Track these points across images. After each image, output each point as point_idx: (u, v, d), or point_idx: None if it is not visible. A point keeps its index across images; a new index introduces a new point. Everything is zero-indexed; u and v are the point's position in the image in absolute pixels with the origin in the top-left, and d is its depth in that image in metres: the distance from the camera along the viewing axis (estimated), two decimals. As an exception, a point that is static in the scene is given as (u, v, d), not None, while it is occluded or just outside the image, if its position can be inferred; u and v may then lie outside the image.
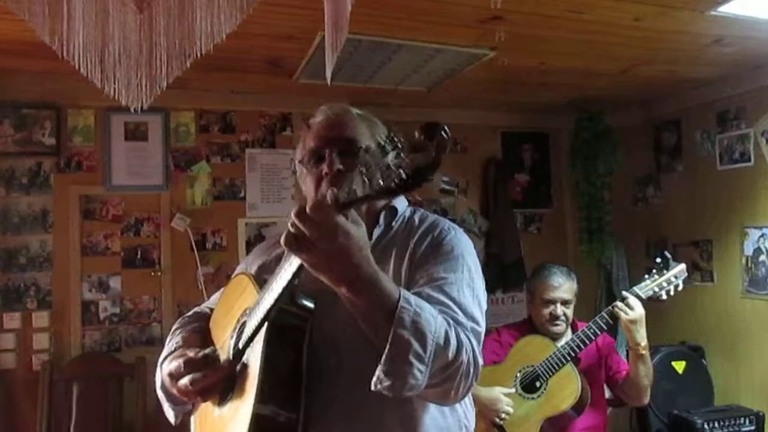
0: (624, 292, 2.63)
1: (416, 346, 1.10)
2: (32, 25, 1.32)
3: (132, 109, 1.37)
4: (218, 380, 1.25)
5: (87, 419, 3.06)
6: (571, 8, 2.40)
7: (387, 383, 1.10)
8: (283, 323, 1.19)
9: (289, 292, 1.15)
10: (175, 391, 1.27)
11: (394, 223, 1.40)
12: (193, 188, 3.50)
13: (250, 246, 3.47)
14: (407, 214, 1.44)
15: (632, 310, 2.54)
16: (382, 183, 0.98)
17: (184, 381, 1.23)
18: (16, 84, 3.15)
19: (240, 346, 1.25)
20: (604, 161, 4.11)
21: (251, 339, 1.22)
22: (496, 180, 4.19)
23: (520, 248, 4.19)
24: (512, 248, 4.16)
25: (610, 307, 2.62)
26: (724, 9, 2.41)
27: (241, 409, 1.18)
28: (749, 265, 3.44)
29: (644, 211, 4.23)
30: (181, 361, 1.25)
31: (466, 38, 2.71)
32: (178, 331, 1.45)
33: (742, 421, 3.22)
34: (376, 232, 1.38)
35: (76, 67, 1.34)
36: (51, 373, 3.06)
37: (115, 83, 1.36)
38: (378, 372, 1.10)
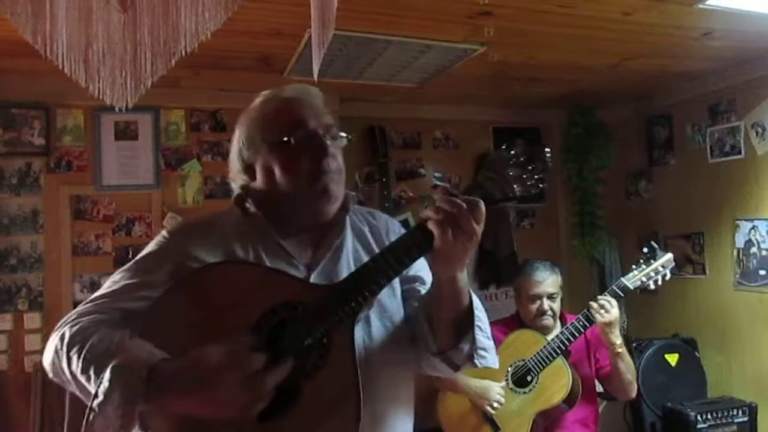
0: (599, 296, 2.65)
1: (486, 325, 1.28)
2: (15, 24, 1.31)
3: (117, 109, 1.36)
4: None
5: (80, 419, 3.04)
6: (559, 3, 2.39)
7: (484, 358, 1.26)
8: (355, 316, 1.17)
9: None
10: (208, 410, 1.04)
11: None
12: (185, 187, 3.49)
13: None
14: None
15: (608, 312, 2.56)
16: (518, 189, 1.17)
17: (244, 398, 1.02)
18: (4, 84, 3.12)
19: (305, 342, 1.12)
20: (596, 156, 4.12)
21: (325, 334, 1.13)
22: (488, 175, 4.18)
23: (514, 243, 4.19)
24: (505, 243, 4.16)
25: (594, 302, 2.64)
26: (711, 2, 2.41)
27: (337, 414, 1.09)
28: (740, 257, 3.45)
29: (637, 204, 4.23)
30: (232, 364, 1.03)
31: (455, 34, 2.70)
32: (114, 332, 1.16)
33: (734, 413, 3.24)
34: (351, 220, 1.39)
35: (60, 66, 1.33)
36: (44, 374, 3.04)
37: (99, 83, 1.35)
38: (470, 348, 1.24)
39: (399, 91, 3.58)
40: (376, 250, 1.31)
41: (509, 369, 2.70)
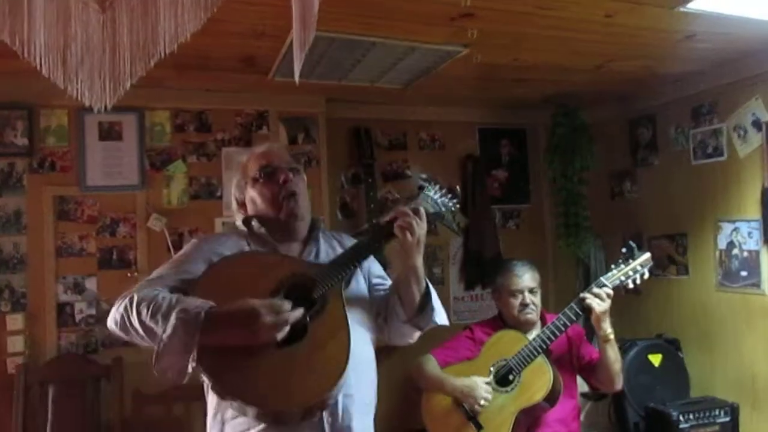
0: (592, 286, 2.66)
1: (437, 298, 1.81)
2: (-7, 25, 1.30)
3: (96, 110, 1.36)
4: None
5: (63, 421, 3.03)
6: (541, 5, 2.41)
7: (440, 315, 1.78)
8: (341, 282, 1.69)
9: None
10: (246, 340, 1.47)
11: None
12: (170, 188, 3.48)
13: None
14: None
15: (603, 301, 2.58)
16: (442, 208, 1.86)
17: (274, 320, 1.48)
18: (-14, 84, 3.10)
19: (315, 297, 1.61)
20: (580, 157, 4.13)
21: (326, 293, 1.63)
22: (474, 176, 4.20)
23: (499, 244, 4.21)
24: (491, 244, 4.18)
25: (579, 299, 2.65)
26: (693, 6, 2.43)
27: (333, 342, 1.58)
28: (723, 258, 3.48)
29: (621, 205, 4.26)
30: (267, 306, 1.49)
31: (438, 36, 2.71)
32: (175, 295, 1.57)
33: (717, 413, 3.26)
34: (324, 237, 1.91)
35: (38, 68, 1.33)
36: (26, 375, 3.03)
37: (78, 84, 1.34)
38: (428, 315, 1.76)
39: (384, 92, 3.59)
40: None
41: (492, 369, 2.72)
